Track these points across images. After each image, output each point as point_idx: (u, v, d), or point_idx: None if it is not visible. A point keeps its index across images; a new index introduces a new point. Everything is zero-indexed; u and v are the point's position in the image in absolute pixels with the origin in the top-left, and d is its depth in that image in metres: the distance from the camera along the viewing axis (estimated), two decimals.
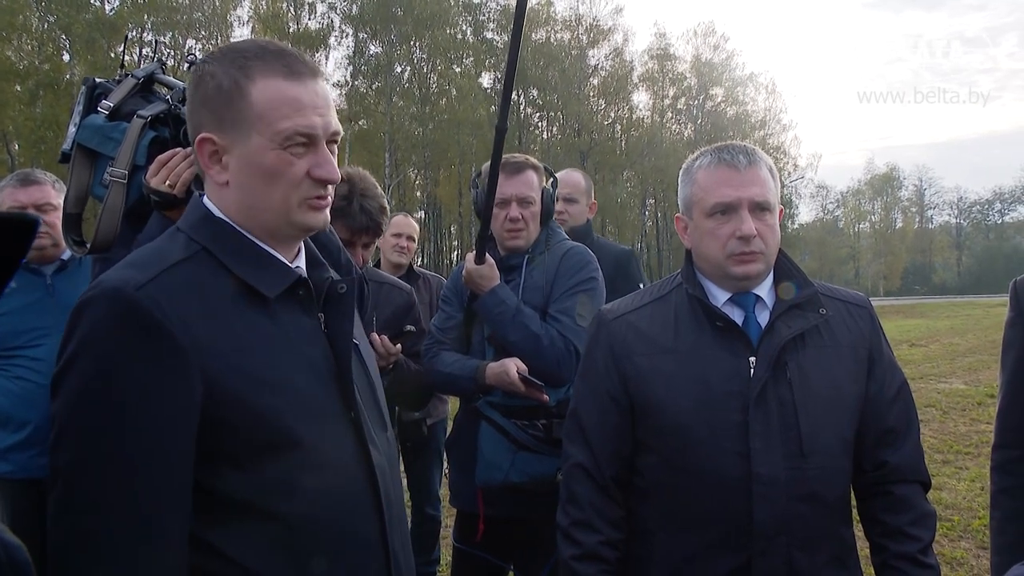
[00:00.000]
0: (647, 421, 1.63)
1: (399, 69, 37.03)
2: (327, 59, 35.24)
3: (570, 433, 1.72)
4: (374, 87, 36.56)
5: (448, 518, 4.24)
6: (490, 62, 39.60)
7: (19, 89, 25.88)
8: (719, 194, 1.59)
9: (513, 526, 2.31)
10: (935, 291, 65.35)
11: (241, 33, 33.35)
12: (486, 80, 40.47)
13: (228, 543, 1.11)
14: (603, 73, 44.79)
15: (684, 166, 1.72)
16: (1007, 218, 77.91)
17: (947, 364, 12.82)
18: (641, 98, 48.64)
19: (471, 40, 39.80)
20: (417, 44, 36.92)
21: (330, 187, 1.23)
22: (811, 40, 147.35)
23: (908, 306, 33.97)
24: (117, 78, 1.94)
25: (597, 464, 1.65)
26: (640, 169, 44.33)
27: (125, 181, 1.76)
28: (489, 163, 2.18)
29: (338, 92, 34.92)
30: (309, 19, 35.73)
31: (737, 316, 1.62)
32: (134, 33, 27.68)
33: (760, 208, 1.59)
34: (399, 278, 3.48)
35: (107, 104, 1.85)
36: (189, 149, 1.72)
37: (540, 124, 45.97)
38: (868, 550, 1.66)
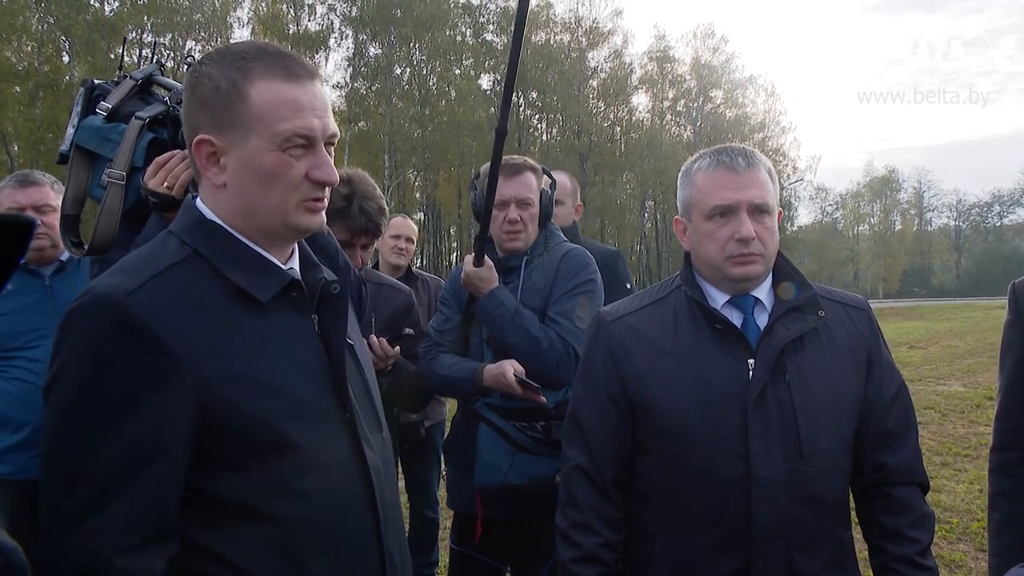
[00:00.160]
0: (646, 423, 1.63)
1: (399, 71, 37.01)
2: (327, 61, 35.27)
3: (569, 435, 1.72)
4: (374, 89, 36.52)
5: (446, 520, 4.24)
6: (490, 64, 39.61)
7: (18, 90, 25.86)
8: (718, 196, 1.59)
9: (511, 528, 2.31)
10: (934, 293, 65.45)
11: (241, 34, 33.38)
12: (485, 82, 40.51)
13: (223, 545, 1.11)
14: (603, 75, 44.81)
15: (683, 168, 1.72)
16: (1006, 220, 78.05)
17: (946, 366, 12.83)
18: (640, 100, 48.71)
19: (471, 42, 39.80)
20: (417, 46, 36.91)
21: (327, 189, 1.23)
22: (810, 43, 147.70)
23: (907, 308, 34.00)
24: (115, 79, 1.94)
25: (596, 466, 1.65)
26: (639, 171, 44.33)
27: (123, 182, 1.76)
28: (488, 165, 2.18)
29: (338, 94, 34.93)
30: (309, 21, 35.76)
31: (736, 318, 1.62)
32: (134, 35, 27.67)
33: (759, 210, 1.59)
34: (398, 280, 3.48)
35: (105, 105, 1.85)
36: (187, 151, 1.72)
37: (539, 126, 45.98)
38: (867, 552, 1.66)
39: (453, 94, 37.56)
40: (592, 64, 44.26)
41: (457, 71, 38.76)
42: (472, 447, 2.29)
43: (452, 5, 38.11)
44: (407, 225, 4.27)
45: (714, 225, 1.60)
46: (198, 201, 1.25)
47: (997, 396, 1.99)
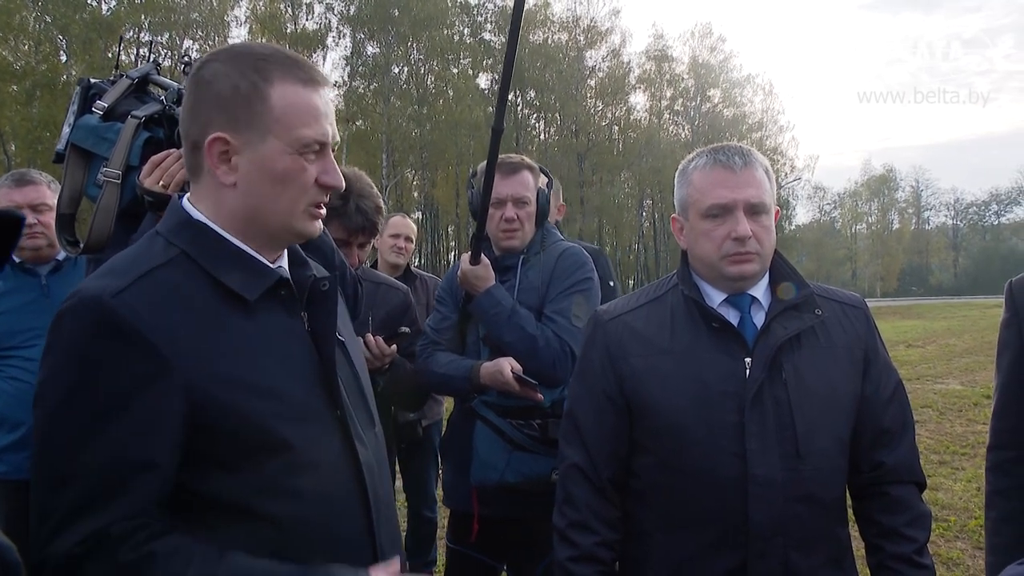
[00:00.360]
0: (643, 422, 1.63)
1: (396, 70, 37.01)
2: (324, 60, 35.24)
3: (566, 434, 1.72)
4: (371, 88, 36.52)
5: (444, 519, 4.24)
6: (487, 63, 39.60)
7: (15, 89, 25.80)
8: (714, 195, 1.59)
9: (508, 526, 2.31)
10: (932, 292, 65.55)
11: (238, 33, 33.34)
12: (483, 81, 40.48)
13: (217, 545, 1.10)
14: (600, 74, 44.81)
15: (680, 167, 1.72)
16: (1003, 219, 78.17)
17: (944, 365, 12.85)
18: (638, 99, 48.72)
19: (468, 41, 39.79)
20: (414, 45, 36.88)
21: (328, 195, 1.24)
22: (808, 42, 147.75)
23: (905, 307, 34.04)
24: (112, 78, 1.94)
25: (594, 465, 1.65)
26: (637, 170, 44.33)
27: (119, 181, 1.76)
28: (485, 163, 2.18)
29: (335, 93, 34.91)
30: (307, 20, 35.74)
31: (733, 317, 1.62)
32: (131, 33, 27.63)
33: (755, 209, 1.59)
34: (396, 279, 3.48)
35: (102, 104, 1.85)
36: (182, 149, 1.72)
37: (537, 125, 45.96)
38: (864, 550, 1.66)
39: (451, 93, 37.52)
40: (590, 63, 44.28)
41: (455, 70, 38.73)
42: (468, 445, 2.29)
43: (450, 4, 38.10)
44: (406, 224, 4.27)
45: (710, 224, 1.60)
46: (184, 201, 1.24)
47: (994, 395, 1.99)
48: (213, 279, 1.16)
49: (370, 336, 2.33)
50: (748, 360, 1.56)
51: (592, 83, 44.83)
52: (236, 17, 33.43)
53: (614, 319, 1.70)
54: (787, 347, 1.58)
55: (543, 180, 2.49)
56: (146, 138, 1.78)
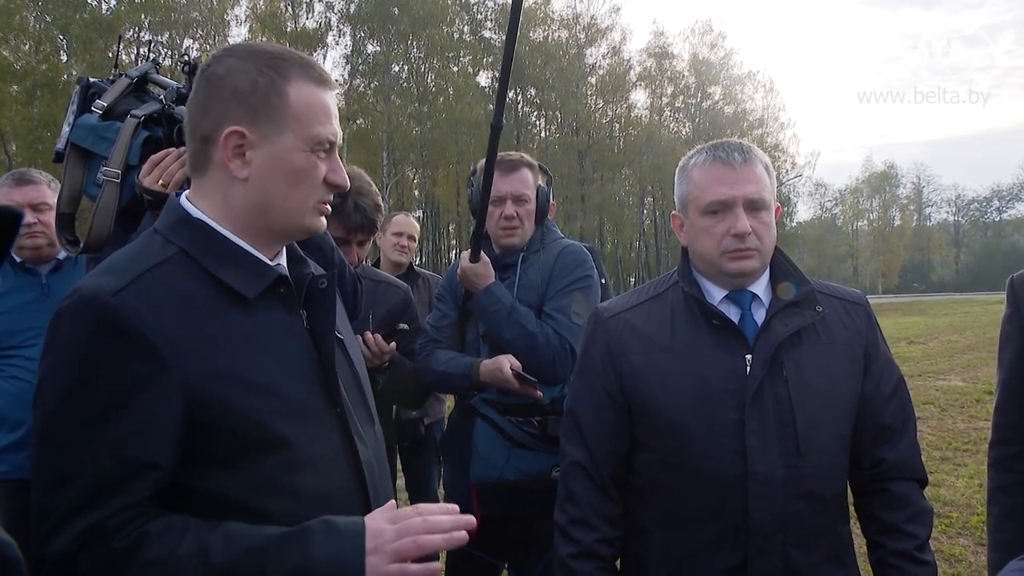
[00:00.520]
0: (644, 419, 1.63)
1: (397, 68, 36.99)
2: (325, 58, 35.25)
3: (567, 431, 1.72)
4: (372, 86, 36.52)
5: None
6: (488, 61, 39.55)
7: (16, 89, 25.82)
8: (714, 192, 1.59)
9: (507, 524, 2.31)
10: (933, 289, 65.58)
11: (238, 32, 33.34)
12: (484, 79, 40.47)
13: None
14: (601, 72, 44.80)
15: (680, 164, 1.71)
16: (1005, 215, 78.16)
17: (945, 361, 12.85)
18: (639, 97, 48.71)
19: (468, 39, 39.76)
20: (414, 43, 36.87)
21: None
22: (808, 38, 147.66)
23: (906, 304, 34.03)
24: (111, 78, 1.94)
25: (595, 462, 1.65)
26: (638, 167, 44.31)
27: (119, 180, 1.76)
28: (484, 161, 2.18)
29: (336, 91, 34.85)
30: (307, 18, 35.74)
31: (733, 314, 1.62)
32: (131, 33, 27.64)
33: (755, 206, 1.58)
34: (399, 277, 3.48)
35: (101, 104, 1.85)
36: (183, 148, 1.72)
37: (538, 123, 45.94)
38: (865, 547, 1.66)
39: (451, 91, 37.52)
40: (590, 61, 44.26)
41: (455, 68, 38.72)
42: (468, 443, 2.29)
43: (450, 2, 38.07)
44: (409, 223, 4.27)
45: (710, 221, 1.60)
46: (182, 199, 1.24)
47: (996, 391, 1.99)
48: (211, 277, 1.16)
49: (369, 334, 2.33)
50: (749, 357, 1.56)
51: (593, 80, 44.83)
52: (236, 16, 33.45)
53: (614, 316, 1.70)
54: (788, 344, 1.58)
55: (543, 177, 2.49)
56: (145, 137, 1.78)
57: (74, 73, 25.58)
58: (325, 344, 1.25)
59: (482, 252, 2.31)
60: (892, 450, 1.63)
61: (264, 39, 31.10)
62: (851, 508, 1.67)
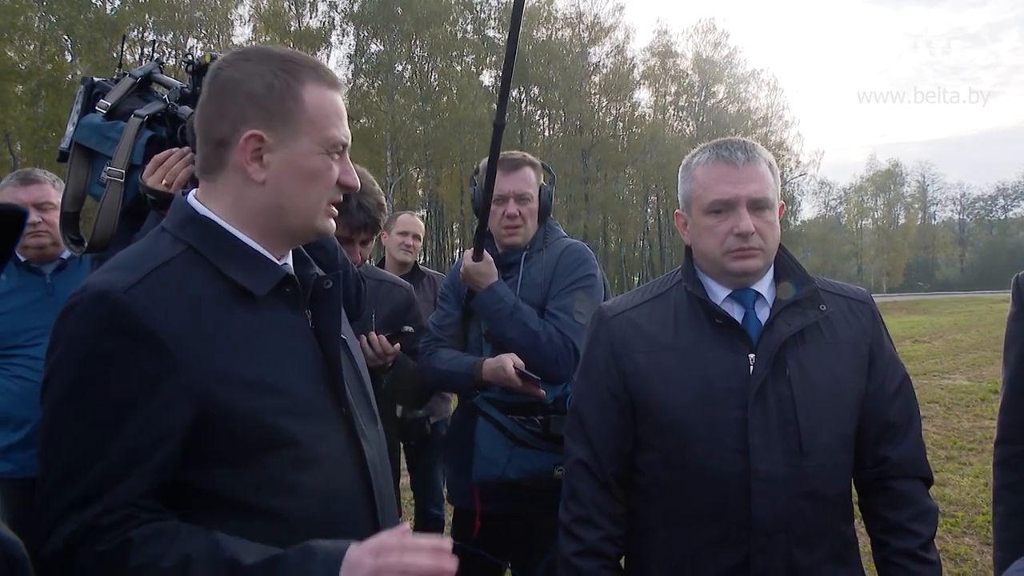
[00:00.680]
0: (647, 418, 1.62)
1: (400, 67, 37.02)
2: (328, 57, 35.26)
3: (571, 430, 1.72)
4: (375, 85, 36.55)
5: (451, 516, 4.25)
6: (491, 60, 39.54)
7: (21, 89, 25.92)
8: (717, 191, 1.58)
9: (510, 522, 2.31)
10: (938, 287, 65.41)
11: (242, 32, 33.39)
12: (487, 78, 40.45)
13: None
14: (604, 70, 44.76)
15: (683, 162, 1.71)
16: (1010, 214, 77.96)
17: (950, 360, 12.81)
18: (643, 95, 48.66)
19: (472, 38, 39.76)
20: (418, 42, 36.89)
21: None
22: (812, 37, 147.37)
23: (911, 302, 33.96)
24: (115, 77, 1.94)
25: (598, 461, 1.65)
26: (642, 166, 44.28)
27: (122, 180, 1.76)
28: (487, 160, 2.18)
29: (344, 92, 34.92)
30: (310, 18, 35.80)
31: (737, 313, 1.62)
32: (135, 33, 27.70)
33: (758, 205, 1.58)
34: (404, 276, 3.48)
35: (105, 103, 1.85)
36: (186, 148, 1.72)
37: (542, 122, 45.95)
38: (870, 546, 1.66)
39: (455, 90, 37.53)
40: (594, 60, 44.24)
41: (458, 67, 38.72)
42: (470, 442, 2.29)
43: (453, 1, 38.07)
44: (414, 222, 4.26)
45: (713, 220, 1.59)
46: (190, 197, 1.24)
47: (1001, 390, 1.98)
48: (220, 275, 1.17)
49: (373, 335, 2.33)
50: (752, 356, 1.56)
51: (596, 79, 44.79)
52: (240, 16, 33.50)
53: (618, 315, 1.70)
54: (791, 343, 1.57)
55: (546, 176, 2.48)
56: (149, 137, 1.79)
57: (78, 73, 25.67)
58: (331, 344, 1.26)
59: (485, 251, 2.31)
60: (896, 448, 1.62)
61: (268, 39, 31.22)
62: (856, 507, 1.66)
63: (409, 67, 37.85)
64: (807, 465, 1.52)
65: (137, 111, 1.80)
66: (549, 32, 41.96)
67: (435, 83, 38.57)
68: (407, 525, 1.12)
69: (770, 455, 1.51)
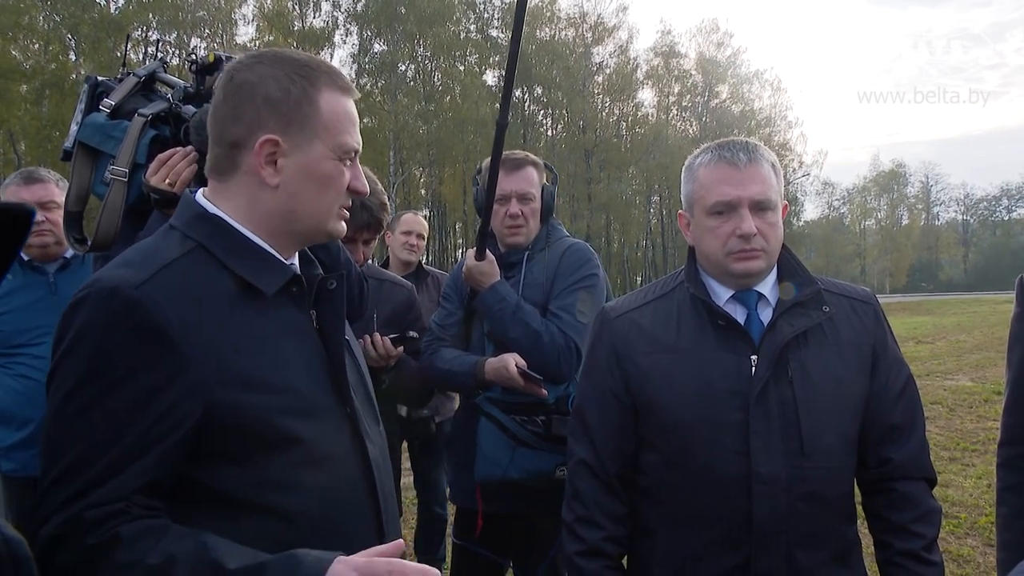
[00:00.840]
0: (649, 419, 1.62)
1: (403, 67, 37.02)
2: (332, 57, 35.26)
3: (574, 430, 1.72)
4: (378, 85, 36.56)
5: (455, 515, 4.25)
6: (494, 60, 39.52)
7: (25, 89, 25.98)
8: (719, 192, 1.58)
9: (511, 522, 2.31)
10: (942, 288, 65.27)
11: (246, 31, 33.44)
12: (490, 78, 40.44)
13: (228, 539, 1.10)
14: (608, 70, 44.72)
15: (686, 163, 1.71)
16: (1014, 215, 77.75)
17: (954, 361, 12.78)
18: (646, 95, 48.62)
19: (475, 38, 39.77)
20: (421, 42, 36.90)
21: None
22: (816, 37, 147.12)
23: (914, 303, 33.90)
24: (119, 76, 1.95)
25: (600, 461, 1.65)
26: (645, 166, 44.23)
27: (126, 179, 1.77)
28: (490, 159, 2.18)
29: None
30: (314, 17, 35.82)
31: (740, 314, 1.61)
32: (139, 32, 27.76)
33: (761, 206, 1.57)
34: (408, 276, 3.48)
35: (108, 102, 1.86)
36: (190, 147, 1.72)
37: (545, 122, 45.91)
38: (872, 547, 1.65)
39: (457, 90, 37.54)
40: (597, 60, 44.19)
41: (461, 67, 38.73)
42: (473, 442, 2.29)
43: (456, 1, 38.06)
44: (418, 221, 4.26)
45: (716, 221, 1.59)
46: (198, 195, 1.24)
47: (1005, 391, 1.97)
48: (228, 273, 1.17)
49: (377, 336, 2.33)
50: (754, 358, 1.55)
51: (599, 79, 44.77)
52: (244, 15, 33.55)
53: (620, 316, 1.69)
54: (794, 344, 1.57)
55: (548, 176, 2.48)
56: (153, 136, 1.79)
57: (82, 72, 25.70)
58: (334, 344, 1.26)
59: (487, 250, 2.31)
60: (900, 449, 1.62)
61: (271, 38, 31.24)
62: (858, 508, 1.66)
63: (412, 67, 37.86)
64: (808, 467, 1.52)
65: (141, 110, 1.80)
66: (552, 32, 41.96)
67: (438, 83, 38.60)
68: (401, 541, 1.11)
69: (771, 457, 1.51)
